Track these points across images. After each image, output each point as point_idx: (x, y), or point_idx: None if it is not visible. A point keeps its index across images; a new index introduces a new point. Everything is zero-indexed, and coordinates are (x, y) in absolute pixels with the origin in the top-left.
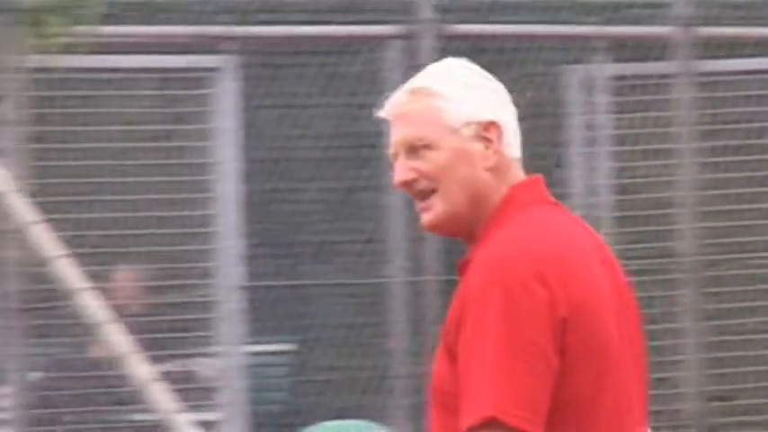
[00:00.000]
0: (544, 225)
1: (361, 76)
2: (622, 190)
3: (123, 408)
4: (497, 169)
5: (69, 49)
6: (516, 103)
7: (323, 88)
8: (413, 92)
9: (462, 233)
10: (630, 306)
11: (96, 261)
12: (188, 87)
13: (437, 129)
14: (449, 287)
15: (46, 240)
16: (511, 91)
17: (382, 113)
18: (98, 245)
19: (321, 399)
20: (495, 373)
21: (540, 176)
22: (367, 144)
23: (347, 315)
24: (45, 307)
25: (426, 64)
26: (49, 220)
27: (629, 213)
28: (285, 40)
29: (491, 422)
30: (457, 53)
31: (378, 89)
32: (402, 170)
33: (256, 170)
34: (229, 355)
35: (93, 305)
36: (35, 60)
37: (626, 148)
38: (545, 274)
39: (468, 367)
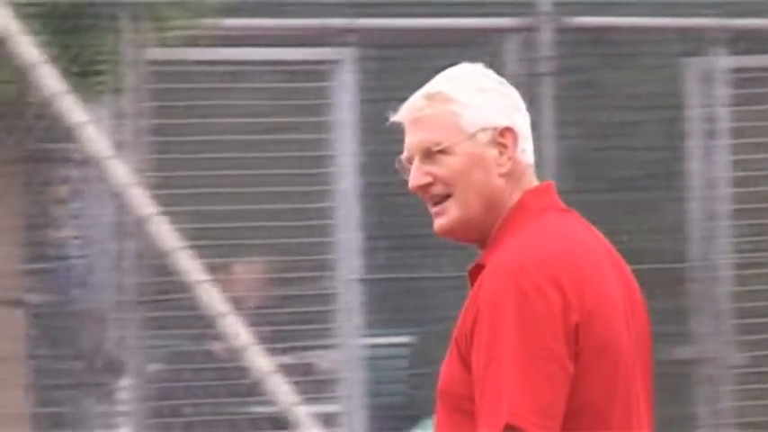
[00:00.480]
0: (557, 232)
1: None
2: (740, 182)
3: (242, 400)
4: (511, 175)
5: (190, 42)
6: (636, 96)
7: None
8: (429, 96)
9: (475, 238)
10: (640, 312)
11: (216, 253)
12: (308, 80)
13: (453, 134)
14: None
15: (165, 233)
16: (630, 83)
17: (397, 117)
18: (217, 237)
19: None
20: (513, 380)
21: (552, 183)
22: None
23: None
24: (164, 299)
25: (545, 56)
26: (168, 213)
27: (748, 206)
28: (404, 32)
29: (509, 430)
30: (575, 45)
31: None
32: (417, 174)
33: (374, 163)
34: (348, 347)
35: (212, 297)
36: (155, 53)
37: (745, 140)
38: (559, 280)
39: (485, 374)
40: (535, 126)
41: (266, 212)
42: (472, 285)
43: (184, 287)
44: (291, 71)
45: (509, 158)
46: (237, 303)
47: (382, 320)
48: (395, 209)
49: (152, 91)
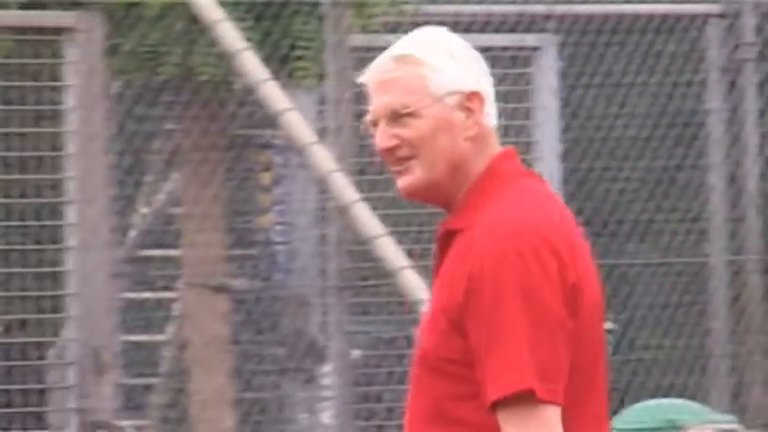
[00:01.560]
0: (539, 197)
1: (678, 54)
2: None
3: None
4: (477, 139)
5: (392, 28)
6: None
7: (640, 66)
8: (398, 59)
9: (438, 201)
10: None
11: (417, 239)
12: (509, 66)
13: (421, 97)
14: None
15: (367, 218)
16: None
17: (364, 79)
18: (419, 223)
19: (638, 378)
20: (520, 346)
21: (514, 148)
22: (685, 122)
23: (664, 294)
24: (366, 285)
25: (748, 43)
26: (370, 199)
27: None
28: (604, 18)
29: (521, 395)
30: None
31: (695, 67)
32: (384, 137)
33: (575, 149)
34: None
35: (413, 284)
36: (357, 39)
37: None
38: (554, 243)
39: (491, 340)
40: (735, 112)
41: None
42: (441, 249)
43: (386, 273)
44: (493, 57)
45: (475, 122)
46: None
47: None
48: (596, 195)
49: (354, 77)
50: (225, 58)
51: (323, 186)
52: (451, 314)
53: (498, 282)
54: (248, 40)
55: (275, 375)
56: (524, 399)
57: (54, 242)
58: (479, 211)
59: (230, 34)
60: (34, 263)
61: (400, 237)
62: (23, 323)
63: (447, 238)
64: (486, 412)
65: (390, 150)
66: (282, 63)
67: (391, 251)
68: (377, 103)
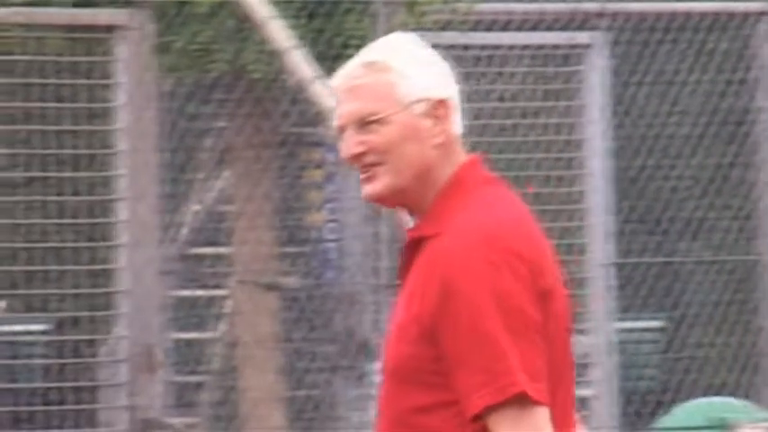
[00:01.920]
0: (507, 205)
1: (730, 52)
2: None
3: None
4: (444, 147)
5: (444, 26)
6: None
7: (692, 64)
8: (367, 65)
9: (405, 206)
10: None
11: None
12: (562, 64)
13: (389, 104)
14: None
15: None
16: None
17: (333, 84)
18: None
19: (690, 376)
20: (504, 351)
21: (480, 155)
22: (737, 120)
23: (716, 292)
24: None
25: None
26: None
27: None
28: (655, 16)
29: (514, 398)
30: None
31: (747, 65)
32: (351, 143)
33: (626, 147)
34: (601, 331)
35: None
36: None
37: None
38: (522, 252)
39: (471, 348)
40: None
41: (523, 197)
42: (408, 257)
43: None
44: (544, 55)
45: (443, 130)
46: None
47: (636, 305)
48: (647, 193)
49: None
50: (276, 56)
51: None
52: (423, 323)
53: (472, 290)
54: (300, 37)
55: (326, 373)
56: (516, 402)
57: (105, 239)
58: (446, 219)
59: (281, 32)
60: (86, 260)
61: None
62: (75, 320)
63: (414, 246)
64: (461, 421)
65: (358, 157)
66: (334, 61)
67: None
68: (345, 110)
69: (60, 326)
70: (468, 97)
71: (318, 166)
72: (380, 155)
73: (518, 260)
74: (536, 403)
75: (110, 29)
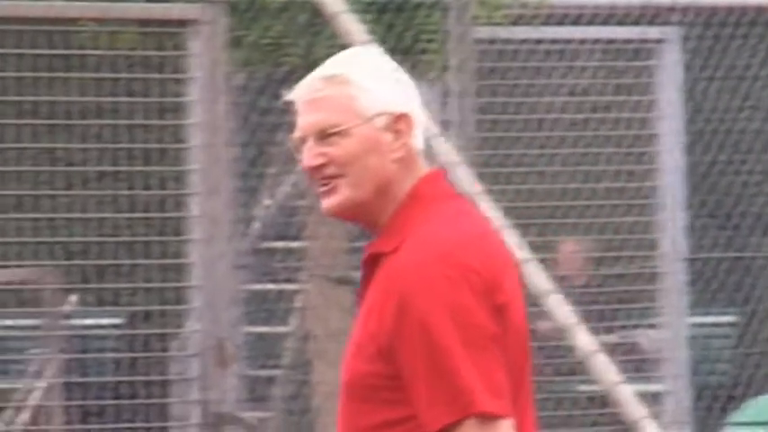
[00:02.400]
0: (464, 220)
1: None
2: None
3: (567, 379)
4: (404, 161)
5: (516, 21)
6: None
7: (763, 59)
8: (327, 78)
9: (363, 220)
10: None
11: (540, 232)
12: (633, 58)
13: (350, 117)
14: None
15: (490, 211)
16: None
17: (292, 96)
18: (542, 216)
19: (761, 371)
20: (464, 367)
21: (442, 169)
22: None
23: None
24: None
25: None
26: (493, 191)
27: None
28: (728, 9)
29: (479, 413)
30: None
31: None
32: (311, 155)
33: (697, 142)
34: (673, 326)
35: (536, 276)
36: (481, 32)
37: None
38: (477, 267)
39: (428, 366)
40: None
41: (590, 191)
42: (368, 272)
43: None
44: (616, 49)
45: (403, 144)
46: (562, 282)
47: (707, 299)
48: (720, 188)
49: (478, 69)
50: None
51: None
52: (380, 342)
53: (428, 307)
54: (371, 32)
55: None
56: (474, 419)
57: (177, 234)
58: (404, 235)
59: (352, 26)
60: (158, 254)
61: (523, 229)
62: (147, 315)
63: (373, 262)
64: None
65: (317, 168)
66: (405, 55)
67: (513, 243)
68: (305, 122)
69: (132, 320)
70: (539, 92)
71: None
72: (340, 167)
73: (475, 275)
74: (497, 418)
75: (182, 23)
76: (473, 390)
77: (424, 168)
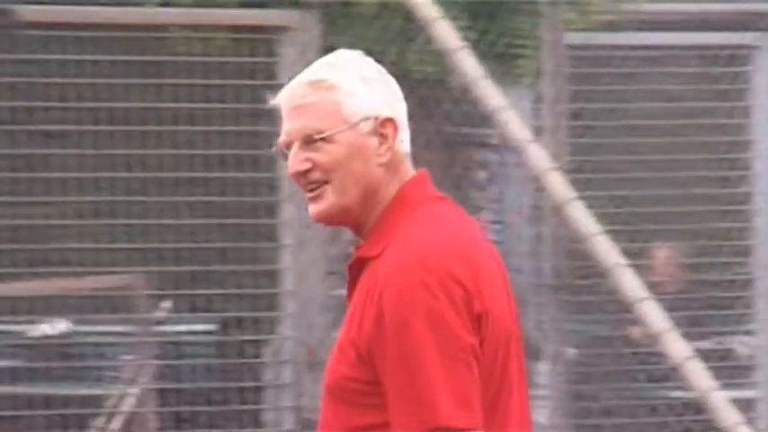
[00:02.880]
0: (446, 224)
1: None
2: None
3: (660, 385)
4: (390, 165)
5: (609, 27)
6: None
7: None
8: (312, 84)
9: (350, 225)
10: (513, 306)
11: (633, 238)
12: (726, 64)
13: (335, 122)
14: None
15: (583, 217)
16: None
17: (277, 102)
18: (635, 222)
19: None
20: (434, 377)
21: (426, 172)
22: None
23: None
24: (582, 284)
25: None
26: (585, 197)
27: None
28: None
29: (441, 428)
30: None
31: None
32: (296, 160)
33: None
34: (766, 333)
35: (630, 282)
36: (574, 37)
37: None
38: (457, 274)
39: (401, 373)
40: None
41: (683, 197)
42: (353, 277)
43: (602, 272)
44: (710, 56)
45: (389, 148)
46: (655, 288)
47: None
48: None
49: (571, 75)
50: (441, 57)
51: (538, 185)
52: (360, 346)
53: (405, 313)
54: (465, 38)
55: None
56: (446, 430)
57: (270, 240)
58: (388, 239)
59: (446, 33)
60: (250, 261)
61: (616, 235)
62: (239, 321)
63: (359, 266)
64: None
65: (303, 174)
66: (499, 61)
67: (607, 249)
68: (290, 127)
69: (225, 326)
70: (633, 97)
71: (483, 167)
72: (326, 173)
73: (453, 283)
74: (467, 430)
75: (274, 30)
76: (440, 403)
77: (410, 171)
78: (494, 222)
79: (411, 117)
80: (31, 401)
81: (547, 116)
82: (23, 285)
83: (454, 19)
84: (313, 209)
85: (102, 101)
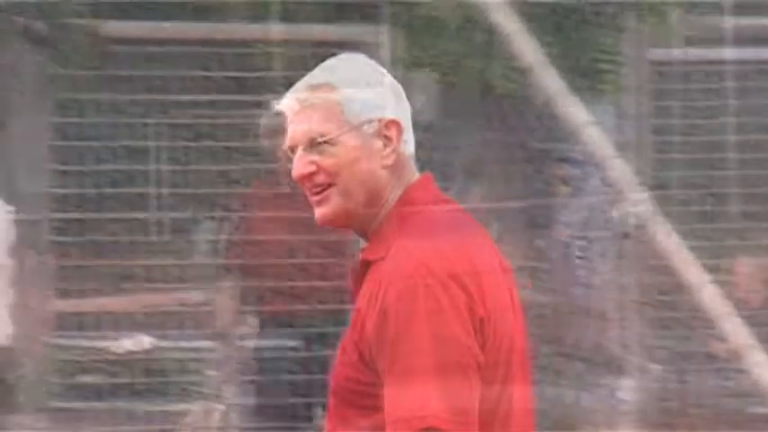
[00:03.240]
0: (449, 227)
1: None
2: None
3: (744, 401)
4: (395, 167)
5: (692, 41)
6: None
7: None
8: (315, 87)
9: (355, 227)
10: (518, 311)
11: (717, 253)
12: None
13: (339, 125)
14: None
15: (666, 232)
16: None
17: (281, 106)
18: (718, 237)
19: None
20: (429, 379)
21: (430, 174)
22: None
23: None
24: (665, 299)
25: None
26: (669, 213)
27: None
28: None
29: (431, 428)
30: None
31: None
32: (301, 164)
33: None
34: None
35: (713, 297)
36: (657, 53)
37: None
38: (460, 276)
39: (399, 375)
40: None
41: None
42: (356, 280)
43: (685, 287)
44: None
45: (393, 151)
46: (739, 304)
47: None
48: None
49: (654, 91)
50: (523, 71)
51: (621, 200)
52: (362, 348)
53: (407, 316)
54: (548, 53)
55: (573, 389)
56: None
57: (352, 256)
58: (392, 242)
59: (529, 47)
60: (334, 276)
61: (699, 251)
62: (323, 336)
63: (364, 268)
64: None
65: (308, 177)
66: (582, 76)
67: (690, 265)
68: (294, 131)
69: (309, 342)
70: (715, 113)
71: (565, 182)
72: (331, 176)
73: (455, 286)
74: None
75: (359, 45)
76: (433, 405)
77: (414, 173)
78: (577, 238)
79: (494, 131)
80: (114, 417)
81: (630, 131)
82: (108, 301)
83: (537, 33)
84: (318, 212)
85: (187, 117)
